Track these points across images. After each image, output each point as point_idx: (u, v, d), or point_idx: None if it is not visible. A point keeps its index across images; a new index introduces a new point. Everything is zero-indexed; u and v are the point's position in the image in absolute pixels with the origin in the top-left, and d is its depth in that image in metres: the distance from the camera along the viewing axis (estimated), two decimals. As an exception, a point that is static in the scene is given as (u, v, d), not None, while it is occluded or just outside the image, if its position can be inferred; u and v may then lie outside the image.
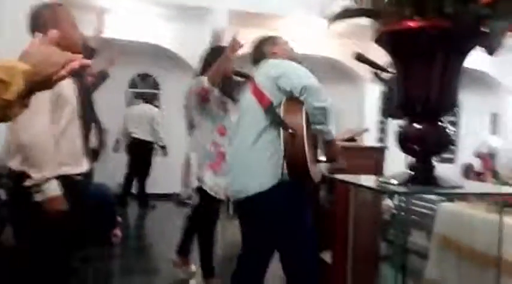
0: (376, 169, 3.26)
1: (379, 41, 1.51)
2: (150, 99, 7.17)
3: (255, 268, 2.31)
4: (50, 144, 1.79)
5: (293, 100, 2.01)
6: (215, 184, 3.09)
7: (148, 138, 6.71)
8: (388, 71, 2.00)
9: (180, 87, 7.41)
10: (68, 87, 1.92)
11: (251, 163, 2.07)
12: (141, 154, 6.74)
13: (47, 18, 1.89)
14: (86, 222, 1.99)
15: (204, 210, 3.36)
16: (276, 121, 2.00)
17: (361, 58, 1.98)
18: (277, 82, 2.05)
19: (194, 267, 3.67)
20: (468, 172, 5.10)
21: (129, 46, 6.98)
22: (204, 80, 3.00)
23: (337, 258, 3.45)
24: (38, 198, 1.79)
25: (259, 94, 2.10)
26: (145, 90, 8.20)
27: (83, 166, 2.00)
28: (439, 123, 1.54)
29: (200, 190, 3.20)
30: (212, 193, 3.11)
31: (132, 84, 8.16)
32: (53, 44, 1.04)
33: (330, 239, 3.55)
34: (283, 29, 7.09)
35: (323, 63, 8.08)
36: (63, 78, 1.03)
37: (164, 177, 7.61)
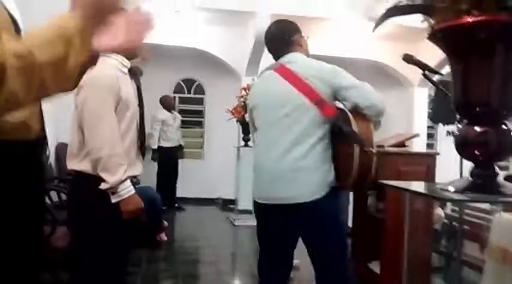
0: (428, 176, 3.13)
1: (433, 38, 1.41)
2: (167, 104, 7.15)
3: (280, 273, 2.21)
4: (118, 147, 1.82)
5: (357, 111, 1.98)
6: None
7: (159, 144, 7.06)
8: (438, 73, 1.90)
9: (224, 91, 7.53)
10: (128, 91, 1.93)
11: (304, 169, 1.98)
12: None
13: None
14: (137, 226, 2.02)
15: None
16: (348, 135, 1.91)
17: (410, 59, 1.88)
18: (337, 92, 2.00)
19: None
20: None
21: (173, 51, 7.10)
22: None
23: (386, 268, 3.32)
24: (114, 199, 1.81)
25: (314, 97, 1.97)
26: (190, 95, 8.36)
27: (139, 169, 2.01)
28: (502, 126, 1.41)
29: None
30: None
31: (177, 89, 8.28)
32: None
33: (378, 248, 3.42)
34: (328, 32, 6.98)
35: (370, 67, 7.91)
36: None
37: (206, 181, 7.68)
